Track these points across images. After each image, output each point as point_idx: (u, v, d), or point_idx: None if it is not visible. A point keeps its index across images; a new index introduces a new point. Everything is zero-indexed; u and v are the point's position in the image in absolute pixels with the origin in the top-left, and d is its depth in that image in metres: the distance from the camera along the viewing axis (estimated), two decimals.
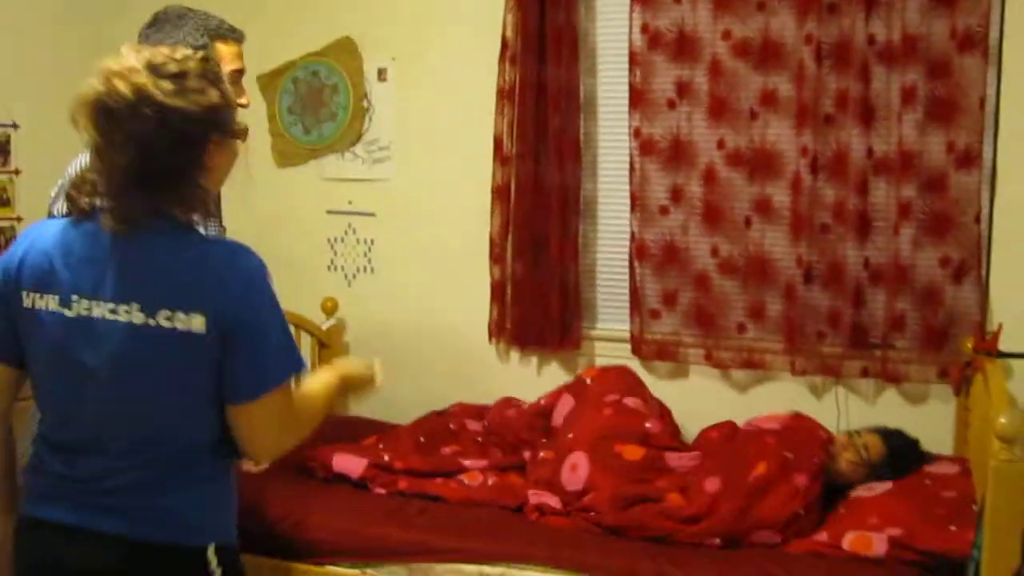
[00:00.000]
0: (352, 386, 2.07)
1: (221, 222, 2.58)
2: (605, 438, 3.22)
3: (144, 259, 1.68)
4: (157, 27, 2.39)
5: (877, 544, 2.79)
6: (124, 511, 1.70)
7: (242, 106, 2.39)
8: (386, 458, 3.46)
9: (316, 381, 1.93)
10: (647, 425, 3.29)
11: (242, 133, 1.82)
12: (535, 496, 3.22)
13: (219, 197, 2.59)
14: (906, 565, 2.73)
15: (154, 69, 1.66)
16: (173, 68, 1.68)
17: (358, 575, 2.99)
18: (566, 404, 3.57)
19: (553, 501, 3.17)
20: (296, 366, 1.75)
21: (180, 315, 1.65)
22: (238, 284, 1.68)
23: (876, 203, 3.53)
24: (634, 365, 3.82)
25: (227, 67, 2.35)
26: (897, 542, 2.77)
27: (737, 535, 2.92)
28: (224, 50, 2.39)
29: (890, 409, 3.59)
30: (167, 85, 1.65)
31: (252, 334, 1.68)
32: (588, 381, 3.59)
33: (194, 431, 1.73)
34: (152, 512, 1.71)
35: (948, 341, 3.47)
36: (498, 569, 2.88)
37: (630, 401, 3.39)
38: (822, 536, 2.92)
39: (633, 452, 3.18)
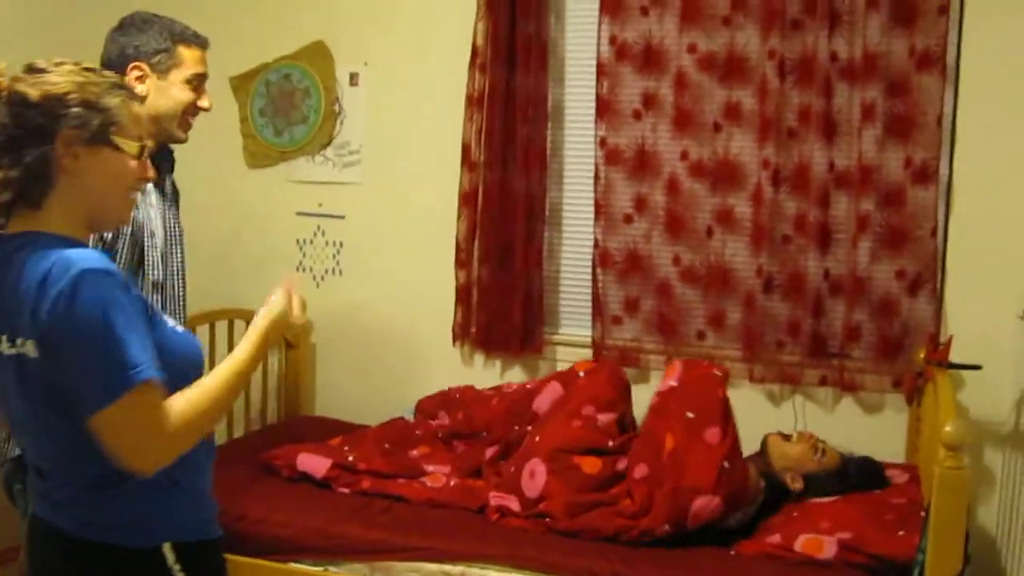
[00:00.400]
0: (280, 332, 1.98)
1: (178, 224, 2.62)
2: (566, 451, 3.25)
3: (10, 281, 1.64)
4: (123, 31, 2.46)
5: (828, 547, 2.86)
6: (77, 517, 1.73)
7: (204, 109, 2.50)
8: (350, 459, 3.49)
9: (220, 371, 1.78)
10: (609, 444, 3.33)
11: (132, 149, 1.74)
12: (496, 498, 3.27)
13: (177, 196, 2.65)
14: (854, 568, 2.80)
15: (26, 68, 1.68)
16: (40, 64, 1.68)
17: (321, 573, 3.03)
18: (554, 391, 3.58)
19: (513, 504, 3.22)
20: (130, 379, 1.59)
21: (22, 340, 1.62)
22: (52, 299, 1.58)
23: (836, 216, 3.62)
24: None
25: (189, 71, 2.44)
26: (847, 545, 2.85)
27: (680, 516, 2.97)
28: (187, 54, 2.45)
29: (846, 418, 3.68)
30: (20, 74, 1.66)
31: (71, 350, 1.59)
32: (580, 375, 3.58)
33: (97, 453, 1.65)
34: (99, 517, 1.72)
35: (903, 352, 3.56)
36: (459, 568, 2.92)
37: (603, 418, 3.41)
38: (775, 538, 2.98)
39: (591, 465, 3.22)
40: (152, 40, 2.42)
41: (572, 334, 4.01)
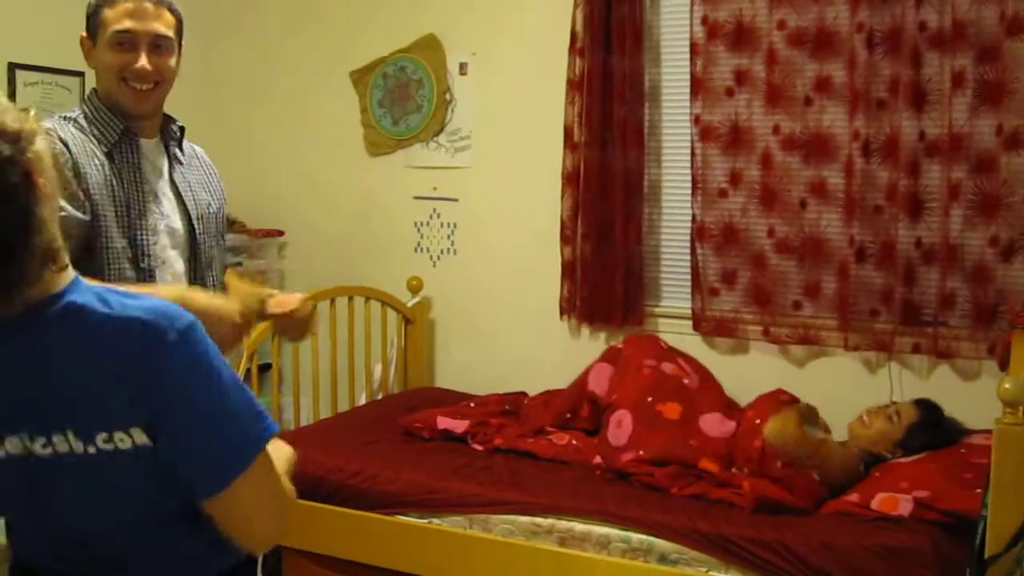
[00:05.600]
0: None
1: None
2: (646, 398, 3.48)
3: (67, 367, 1.34)
4: None
5: (903, 504, 2.95)
6: None
7: (138, 71, 2.15)
8: (483, 419, 3.81)
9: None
10: (685, 381, 3.53)
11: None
12: (599, 460, 3.48)
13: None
14: (928, 524, 2.87)
15: None
16: None
17: (424, 525, 3.29)
18: (603, 371, 3.81)
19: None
20: (261, 435, 1.41)
21: (120, 435, 1.34)
22: (165, 368, 1.35)
23: (927, 185, 3.64)
24: (695, 341, 4.03)
25: (110, 28, 2.14)
26: (922, 503, 2.92)
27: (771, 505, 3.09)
28: (109, 13, 2.16)
29: (943, 385, 3.70)
30: None
31: (192, 420, 1.40)
32: (619, 346, 3.85)
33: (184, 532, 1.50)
34: None
35: (997, 318, 3.57)
36: (548, 520, 3.14)
37: (667, 367, 3.62)
38: (853, 497, 3.08)
39: (672, 410, 3.43)
40: (88, 7, 2.18)
41: (672, 306, 4.16)
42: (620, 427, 3.43)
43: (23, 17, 3.98)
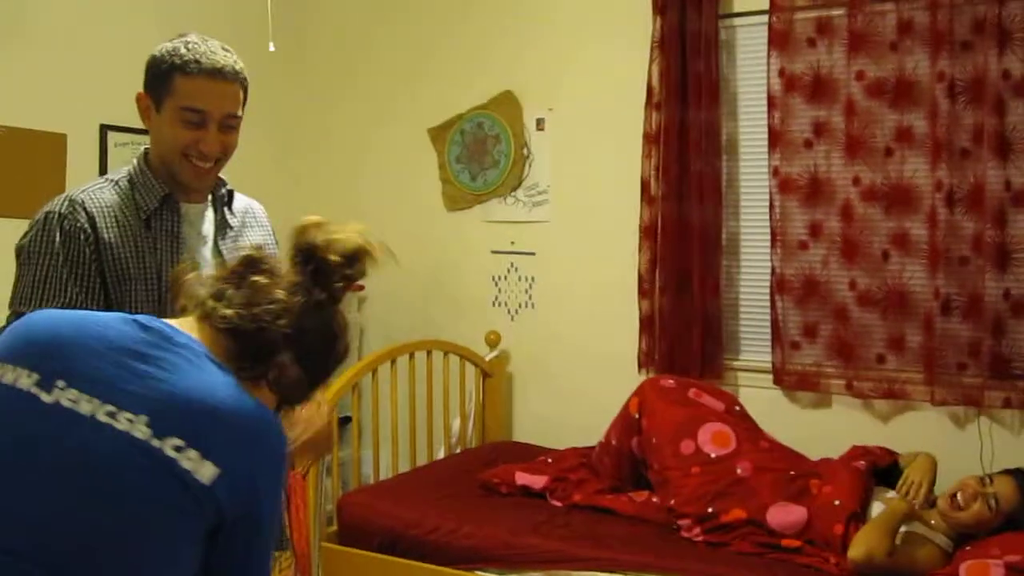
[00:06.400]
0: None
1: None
2: (707, 509, 3.32)
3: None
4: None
5: (994, 571, 2.83)
6: None
7: (201, 155, 2.04)
8: (562, 474, 3.77)
9: None
10: (738, 471, 3.41)
11: None
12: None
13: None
14: None
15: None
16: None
17: None
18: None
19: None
20: None
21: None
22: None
23: (1014, 235, 3.56)
24: (776, 395, 3.98)
25: (180, 102, 2.01)
26: (1014, 567, 2.82)
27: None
28: (182, 83, 2.01)
29: None
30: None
31: None
32: (635, 415, 3.72)
33: None
34: None
35: None
36: None
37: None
38: (945, 569, 2.97)
39: (737, 516, 3.27)
40: (154, 65, 2.02)
41: (752, 359, 4.11)
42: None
43: (114, 79, 4.13)
